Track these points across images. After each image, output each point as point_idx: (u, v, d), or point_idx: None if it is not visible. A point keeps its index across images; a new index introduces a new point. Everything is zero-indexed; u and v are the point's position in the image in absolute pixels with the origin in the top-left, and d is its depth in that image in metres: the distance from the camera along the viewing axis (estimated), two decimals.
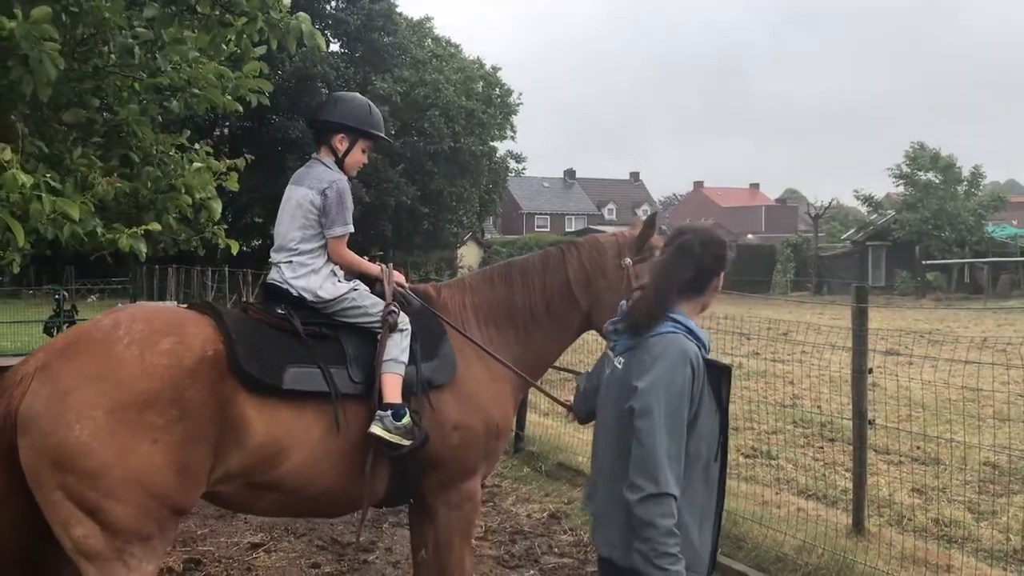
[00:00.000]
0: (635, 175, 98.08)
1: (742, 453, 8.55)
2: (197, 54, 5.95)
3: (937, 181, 42.00)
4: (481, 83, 42.65)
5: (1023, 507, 6.69)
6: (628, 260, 4.27)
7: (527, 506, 7.20)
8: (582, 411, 3.56)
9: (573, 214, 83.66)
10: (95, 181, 5.18)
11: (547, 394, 4.67)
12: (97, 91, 5.89)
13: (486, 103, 41.62)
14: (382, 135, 4.22)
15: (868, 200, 46.03)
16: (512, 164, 47.32)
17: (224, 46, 5.71)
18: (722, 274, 3.05)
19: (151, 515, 3.34)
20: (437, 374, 3.97)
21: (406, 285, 4.20)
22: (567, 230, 73.70)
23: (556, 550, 6.15)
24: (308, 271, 3.96)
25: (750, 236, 62.85)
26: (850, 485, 6.25)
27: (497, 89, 43.25)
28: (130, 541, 3.32)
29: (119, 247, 5.15)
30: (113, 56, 5.74)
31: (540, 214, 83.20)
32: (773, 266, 45.26)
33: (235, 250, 6.46)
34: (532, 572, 5.76)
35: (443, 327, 4.11)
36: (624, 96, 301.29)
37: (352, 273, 4.13)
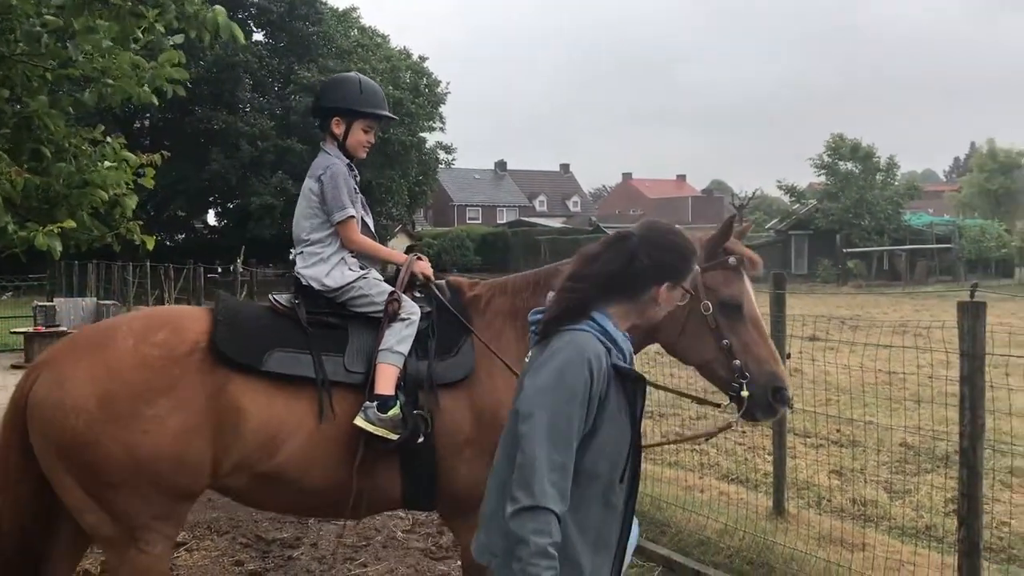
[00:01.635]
0: (565, 167, 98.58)
1: (667, 439, 8.67)
2: (110, 43, 5.78)
3: (857, 171, 43.08)
4: (408, 73, 42.39)
5: (936, 485, 6.92)
6: (698, 267, 3.94)
7: None
8: None
9: (505, 206, 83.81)
10: (3, 174, 5.01)
11: None
12: (4, 81, 5.70)
13: (414, 93, 41.41)
14: (376, 111, 4.09)
15: (791, 190, 47.05)
16: (442, 155, 47.17)
17: (140, 35, 5.57)
18: (666, 286, 2.63)
19: (155, 504, 3.42)
20: (447, 372, 3.75)
21: (431, 276, 4.01)
22: (499, 222, 73.78)
23: None
24: (317, 260, 3.92)
25: (677, 227, 63.57)
26: (771, 468, 6.40)
27: (425, 79, 43.07)
28: (139, 527, 3.42)
29: (36, 245, 5.00)
30: (20, 44, 5.55)
31: (472, 206, 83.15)
32: None
33: (151, 245, 6.33)
34: (459, 563, 5.76)
35: (463, 328, 3.85)
36: (554, 88, 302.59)
37: (373, 260, 4.06)
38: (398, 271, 3.99)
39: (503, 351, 3.76)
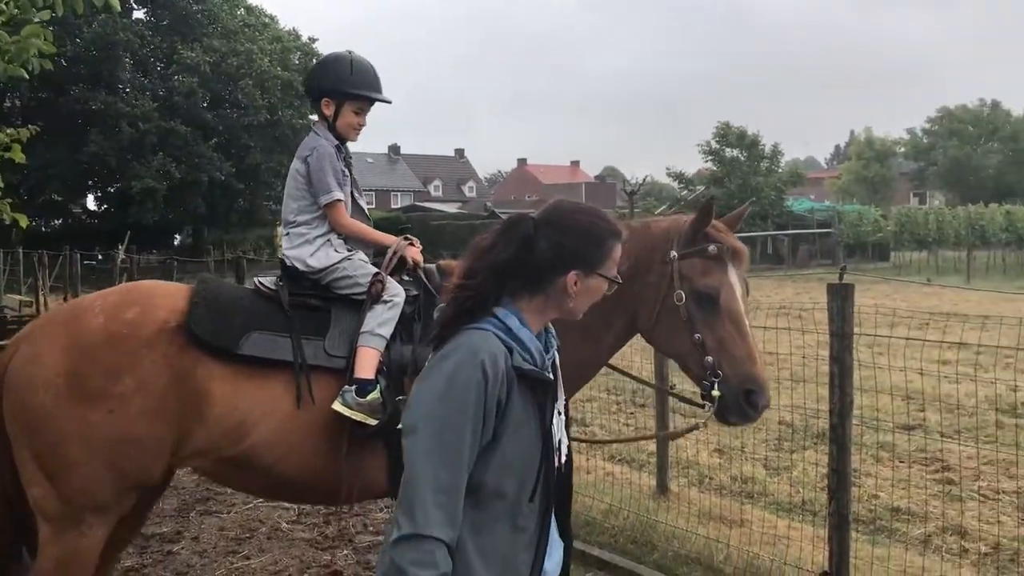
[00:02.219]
0: (460, 152, 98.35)
1: None
2: None
3: (743, 158, 44.28)
4: (298, 54, 41.52)
5: (811, 462, 7.18)
6: (674, 253, 3.46)
7: None
8: None
9: (399, 190, 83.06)
10: None
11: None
12: None
13: (304, 75, 40.55)
14: (367, 93, 3.97)
15: (679, 176, 48.02)
16: None
17: (3, 7, 5.27)
18: (574, 275, 2.28)
19: (107, 487, 3.37)
20: (427, 358, 3.75)
21: (420, 261, 3.89)
22: (393, 207, 73.11)
23: (371, 528, 6.10)
24: (302, 241, 3.84)
25: (591, 206, 64.23)
26: (655, 448, 6.52)
27: (315, 60, 42.27)
28: (84, 509, 3.37)
29: None
30: None
31: (365, 190, 78.41)
32: None
33: (23, 223, 6.06)
34: (346, 552, 5.69)
35: None
36: (449, 72, 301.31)
37: (362, 244, 3.96)
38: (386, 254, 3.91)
39: None
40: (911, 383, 7.49)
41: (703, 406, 3.37)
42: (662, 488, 6.27)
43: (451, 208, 64.72)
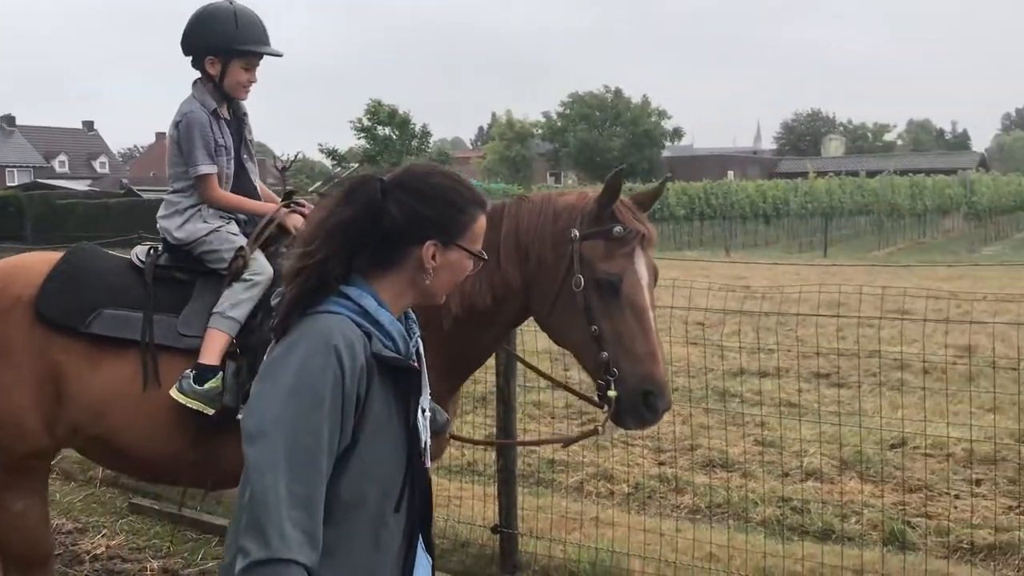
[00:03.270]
0: (89, 124, 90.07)
1: None
2: None
3: (395, 136, 45.04)
4: None
5: (476, 424, 7.50)
6: (575, 232, 3.02)
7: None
8: None
9: (16, 166, 74.24)
10: None
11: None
12: None
13: None
14: (257, 48, 3.62)
15: (332, 153, 47.82)
16: None
17: None
18: (431, 246, 1.99)
19: None
20: None
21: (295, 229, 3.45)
22: (9, 184, 65.28)
23: None
24: (173, 211, 3.60)
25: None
26: None
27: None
28: None
29: None
30: None
31: None
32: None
33: None
34: None
35: None
36: (74, 36, 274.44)
37: (242, 215, 3.66)
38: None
39: None
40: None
41: (601, 407, 3.02)
42: None
43: (80, 186, 59.09)
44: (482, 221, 2.08)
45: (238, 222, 3.67)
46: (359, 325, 1.91)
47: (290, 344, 1.87)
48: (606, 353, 2.93)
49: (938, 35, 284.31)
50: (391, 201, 1.97)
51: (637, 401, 2.92)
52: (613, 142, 65.28)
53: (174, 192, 3.66)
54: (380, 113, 44.94)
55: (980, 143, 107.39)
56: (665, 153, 69.65)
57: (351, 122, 45.39)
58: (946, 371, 7.09)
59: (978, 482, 5.87)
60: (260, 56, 3.70)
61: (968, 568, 4.51)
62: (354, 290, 1.95)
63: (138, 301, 3.40)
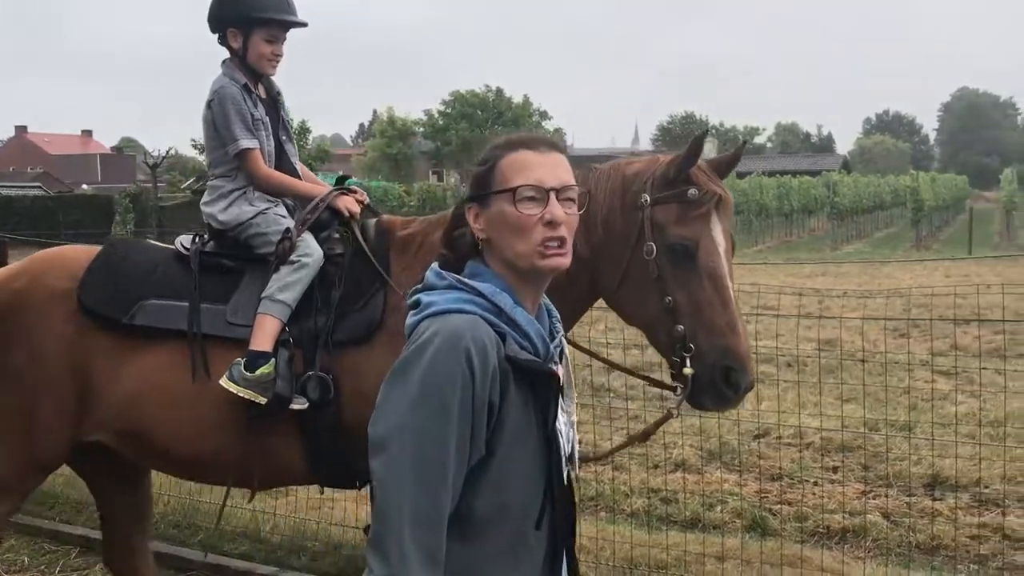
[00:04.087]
0: None
1: None
2: None
3: None
4: None
5: None
6: (647, 196, 2.80)
7: None
8: None
9: None
10: None
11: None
12: None
13: None
14: (278, 16, 3.41)
15: (203, 149, 46.44)
16: None
17: None
18: (473, 209, 1.86)
19: (8, 465, 3.25)
20: (348, 328, 3.14)
21: (356, 212, 3.35)
22: None
23: None
24: (217, 195, 3.43)
25: (85, 186, 58.97)
26: None
27: None
28: None
29: None
30: None
31: None
32: (112, 217, 43.22)
33: None
34: None
35: (379, 275, 3.20)
36: None
37: (290, 197, 3.49)
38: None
39: None
40: None
41: (674, 389, 2.79)
42: None
43: None
44: (512, 158, 1.83)
45: (286, 206, 3.49)
46: (493, 325, 1.75)
47: (419, 346, 1.70)
48: (681, 326, 2.70)
49: (805, 43, 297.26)
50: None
51: (717, 378, 2.68)
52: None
53: (216, 177, 3.48)
54: None
55: (844, 146, 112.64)
56: None
57: None
58: (807, 364, 7.43)
59: (834, 469, 6.19)
60: (283, 26, 3.48)
61: (821, 551, 4.73)
62: (488, 286, 1.79)
63: (184, 290, 3.25)
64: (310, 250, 3.23)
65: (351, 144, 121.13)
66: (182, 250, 3.40)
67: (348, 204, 3.37)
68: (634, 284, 2.83)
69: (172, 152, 50.07)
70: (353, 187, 3.50)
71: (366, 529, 4.97)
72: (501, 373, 1.71)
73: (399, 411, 1.66)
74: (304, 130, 45.82)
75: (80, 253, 3.44)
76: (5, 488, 3.30)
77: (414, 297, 1.84)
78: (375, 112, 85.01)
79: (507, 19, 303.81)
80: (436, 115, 70.10)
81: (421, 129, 70.64)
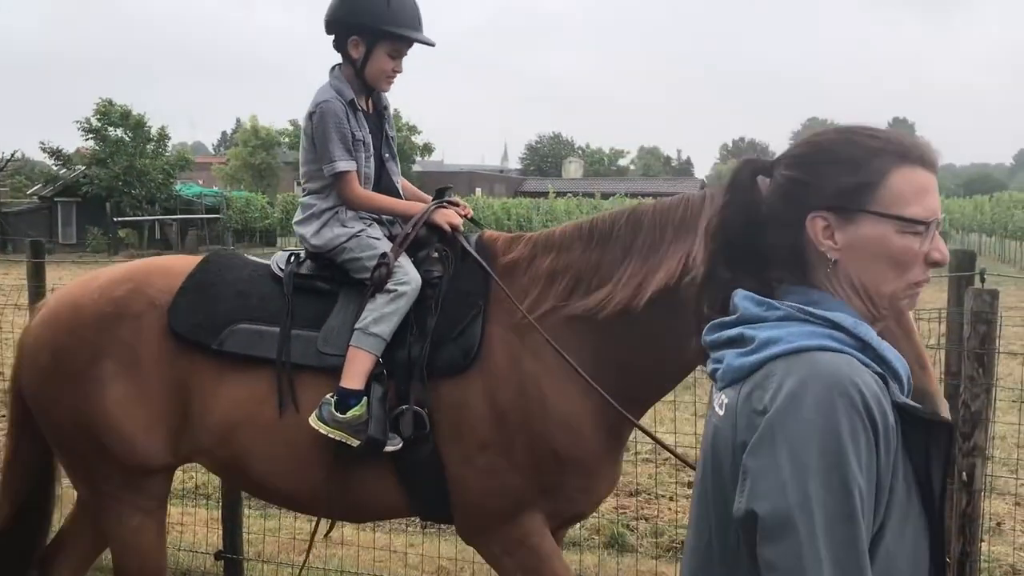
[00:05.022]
0: None
1: None
2: None
3: (128, 139, 42.30)
4: None
5: None
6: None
7: None
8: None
9: None
10: None
11: (640, 427, 3.01)
12: None
13: None
14: (408, 33, 3.14)
15: (56, 154, 44.13)
16: None
17: None
18: (822, 219, 1.45)
19: (110, 475, 3.11)
20: (444, 358, 2.91)
21: (459, 225, 3.12)
22: None
23: None
24: (309, 214, 3.23)
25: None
26: None
27: None
28: (105, 496, 3.18)
29: None
30: None
31: None
32: None
33: None
34: None
35: (479, 299, 2.97)
36: None
37: (388, 216, 3.29)
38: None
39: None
40: None
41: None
42: None
43: None
44: (909, 176, 1.42)
45: (382, 224, 3.28)
46: (866, 366, 1.38)
47: (789, 398, 1.32)
48: None
49: (668, 70, 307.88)
50: (773, 180, 1.52)
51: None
52: None
53: (308, 194, 3.26)
54: (112, 114, 41.98)
55: (702, 171, 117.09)
56: (416, 168, 70.27)
57: (77, 122, 42.04)
58: None
59: (689, 484, 6.35)
60: (409, 43, 3.23)
61: (675, 566, 4.84)
62: (846, 317, 1.40)
63: (275, 315, 3.07)
64: (407, 278, 3.01)
65: (212, 152, 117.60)
66: (276, 270, 3.24)
67: (449, 218, 3.15)
68: None
69: (18, 155, 47.35)
70: (455, 199, 3.29)
71: (218, 554, 4.88)
72: (892, 426, 1.36)
73: (795, 483, 1.29)
74: (163, 136, 44.25)
75: (181, 265, 3.30)
76: (117, 495, 3.16)
77: (734, 331, 1.47)
78: (238, 120, 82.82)
79: None
80: (301, 125, 68.87)
81: (286, 139, 69.30)
